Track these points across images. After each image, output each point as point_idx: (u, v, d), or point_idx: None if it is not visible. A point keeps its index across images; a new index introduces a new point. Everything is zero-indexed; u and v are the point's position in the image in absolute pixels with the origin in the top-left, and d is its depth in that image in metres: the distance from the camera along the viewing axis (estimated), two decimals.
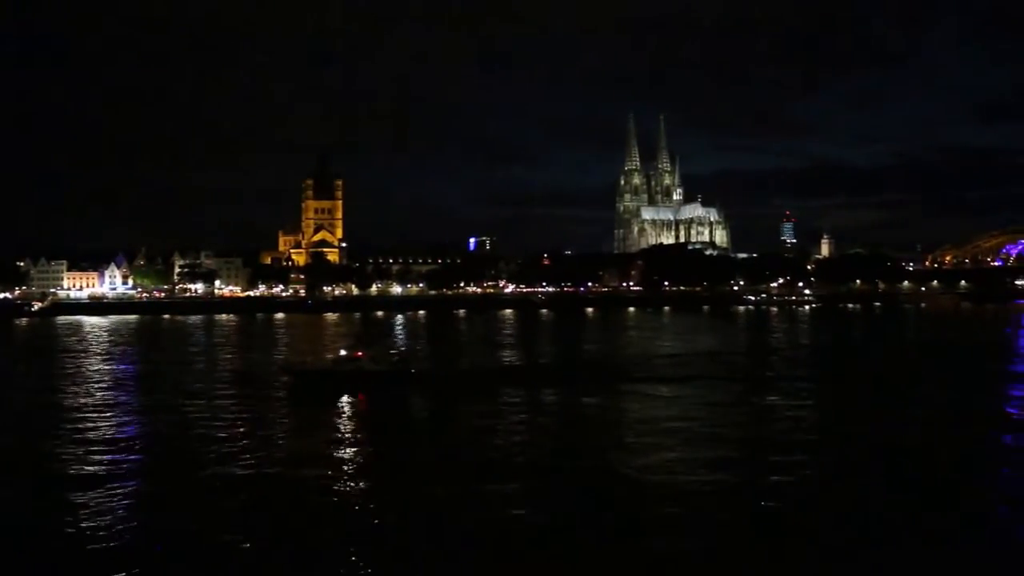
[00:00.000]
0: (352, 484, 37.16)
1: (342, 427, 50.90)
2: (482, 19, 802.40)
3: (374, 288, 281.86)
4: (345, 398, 59.73)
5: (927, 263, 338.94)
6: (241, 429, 48.43)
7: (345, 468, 39.97)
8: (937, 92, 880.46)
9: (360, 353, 68.13)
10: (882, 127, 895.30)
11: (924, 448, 41.86)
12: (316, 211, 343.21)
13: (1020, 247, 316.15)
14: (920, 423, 49.08)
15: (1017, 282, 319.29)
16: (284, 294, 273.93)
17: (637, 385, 64.39)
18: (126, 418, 53.16)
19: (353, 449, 44.91)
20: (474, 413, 55.16)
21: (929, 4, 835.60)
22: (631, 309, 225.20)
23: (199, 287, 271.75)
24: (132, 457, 42.03)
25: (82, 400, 61.26)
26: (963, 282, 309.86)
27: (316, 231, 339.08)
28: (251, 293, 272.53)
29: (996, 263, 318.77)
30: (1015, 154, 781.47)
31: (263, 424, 50.20)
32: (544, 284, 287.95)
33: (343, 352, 69.19)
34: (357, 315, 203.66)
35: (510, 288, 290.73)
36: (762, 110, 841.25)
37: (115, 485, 36.03)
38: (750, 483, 35.70)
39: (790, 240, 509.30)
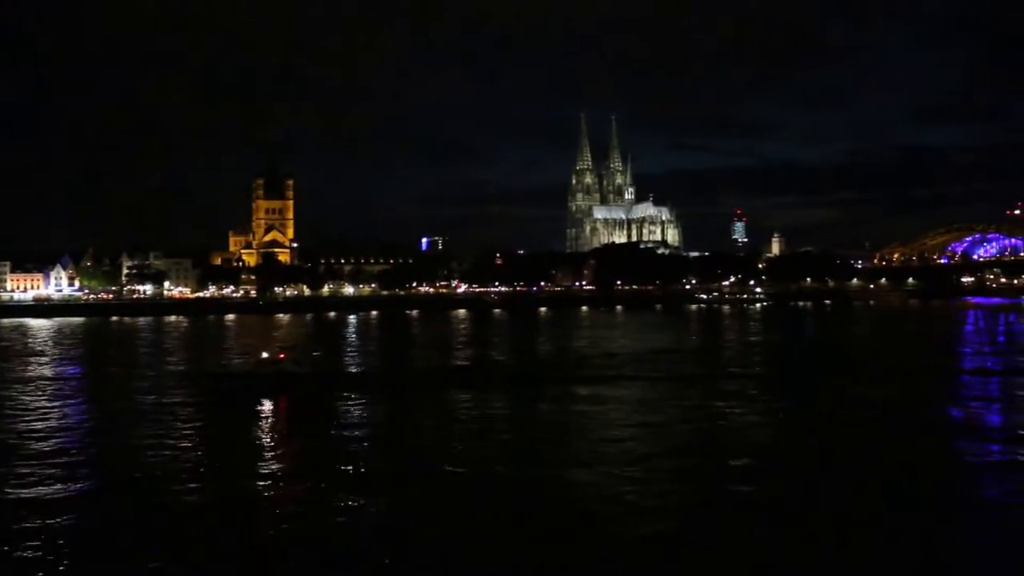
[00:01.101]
0: (274, 491, 36.01)
1: (259, 432, 49.30)
2: (437, 19, 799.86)
3: (326, 289, 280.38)
4: (266, 401, 57.87)
5: (876, 261, 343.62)
6: (156, 438, 46.45)
7: (261, 474, 38.54)
8: (886, 93, 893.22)
9: (282, 355, 66.43)
10: (832, 127, 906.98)
11: (874, 443, 42.27)
12: (267, 211, 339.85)
13: (965, 245, 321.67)
14: (868, 418, 49.61)
15: (963, 279, 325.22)
16: (235, 295, 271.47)
17: (588, 384, 63.95)
18: (59, 423, 51.92)
19: (271, 454, 43.37)
20: (405, 415, 54.70)
21: (879, 6, 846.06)
22: (584, 308, 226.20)
23: (148, 288, 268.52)
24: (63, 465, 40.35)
25: (19, 402, 59.90)
26: (911, 279, 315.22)
27: (267, 231, 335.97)
28: (201, 294, 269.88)
29: (942, 260, 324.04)
30: (961, 154, 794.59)
31: (177, 431, 48.35)
32: (497, 284, 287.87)
33: (264, 355, 67.35)
34: (309, 316, 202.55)
35: (463, 288, 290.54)
36: (714, 110, 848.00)
37: (46, 494, 34.54)
38: (706, 478, 35.97)
39: (741, 239, 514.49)
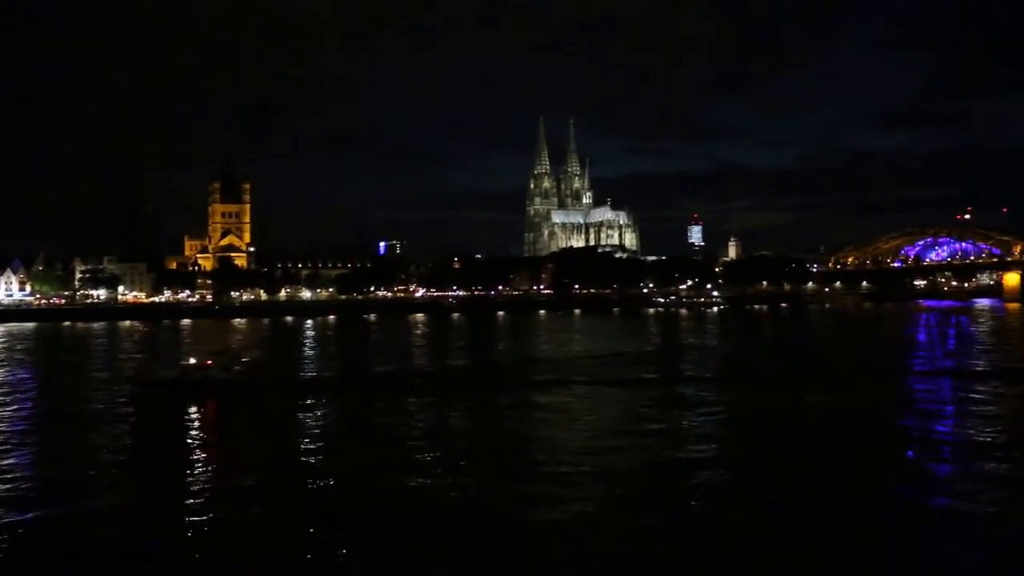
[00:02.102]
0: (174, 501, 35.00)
1: (172, 441, 47.63)
2: (390, 24, 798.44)
3: (283, 293, 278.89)
4: (188, 410, 56.33)
5: (831, 264, 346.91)
6: (65, 446, 45.63)
7: (184, 484, 37.60)
8: (843, 99, 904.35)
9: (209, 362, 65.47)
10: (789, 132, 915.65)
11: (831, 443, 42.84)
12: (223, 215, 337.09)
13: (918, 248, 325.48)
14: (825, 418, 50.28)
15: (915, 282, 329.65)
16: (191, 300, 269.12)
17: (544, 389, 64.00)
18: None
19: (179, 465, 41.55)
20: (333, 422, 53.74)
21: (838, 14, 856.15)
22: (542, 312, 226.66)
23: (102, 293, 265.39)
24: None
25: None
26: (865, 283, 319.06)
27: (223, 235, 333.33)
28: (156, 299, 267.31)
29: (895, 264, 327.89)
30: (913, 159, 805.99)
31: (86, 441, 46.90)
32: (455, 287, 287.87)
33: (192, 361, 66.40)
34: (266, 321, 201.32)
35: (421, 292, 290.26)
36: (673, 114, 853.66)
37: None
38: (664, 480, 36.28)
39: (698, 243, 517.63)
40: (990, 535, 28.77)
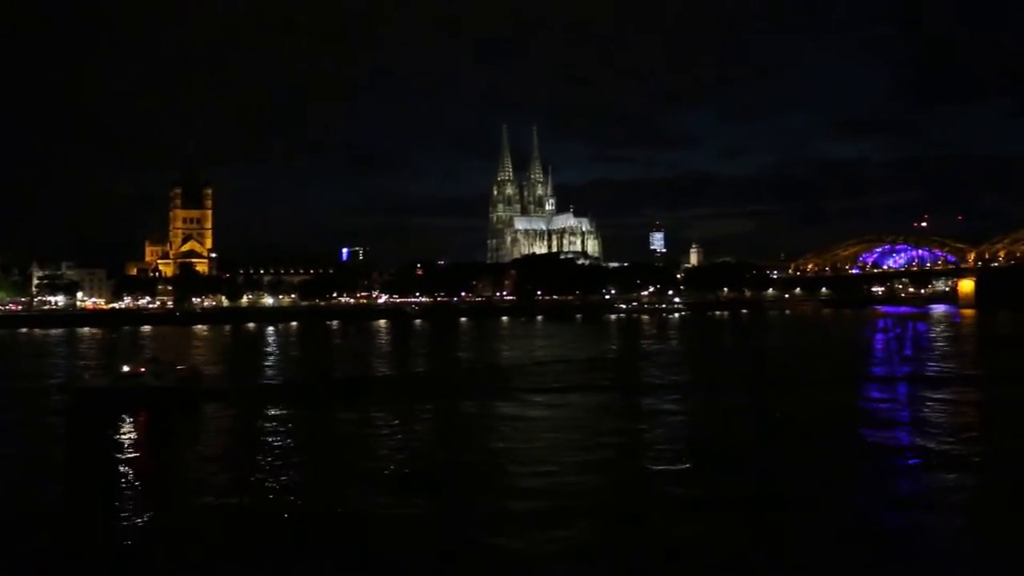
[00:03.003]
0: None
1: (95, 451, 46.62)
2: (359, 27, 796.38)
3: (245, 299, 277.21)
4: (117, 418, 54.59)
5: (790, 271, 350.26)
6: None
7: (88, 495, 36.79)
8: (802, 107, 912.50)
9: (143, 369, 63.80)
10: (752, 140, 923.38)
11: (785, 450, 43.36)
12: (184, 221, 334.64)
13: (875, 255, 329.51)
14: (784, 422, 50.91)
15: (873, 288, 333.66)
16: (151, 306, 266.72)
17: (506, 395, 64.10)
18: None
19: (119, 476, 40.45)
20: (272, 432, 51.95)
21: (801, 24, 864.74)
22: (504, 318, 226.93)
23: (60, 299, 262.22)
24: None
25: None
26: (824, 289, 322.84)
27: (184, 241, 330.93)
28: (116, 305, 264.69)
29: (853, 271, 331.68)
30: (871, 167, 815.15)
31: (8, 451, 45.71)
32: (417, 294, 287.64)
33: (125, 368, 64.48)
34: (227, 327, 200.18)
35: (384, 298, 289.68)
36: (636, 122, 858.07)
37: None
38: (628, 487, 36.60)
39: (660, 249, 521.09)
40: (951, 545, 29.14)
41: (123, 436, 51.00)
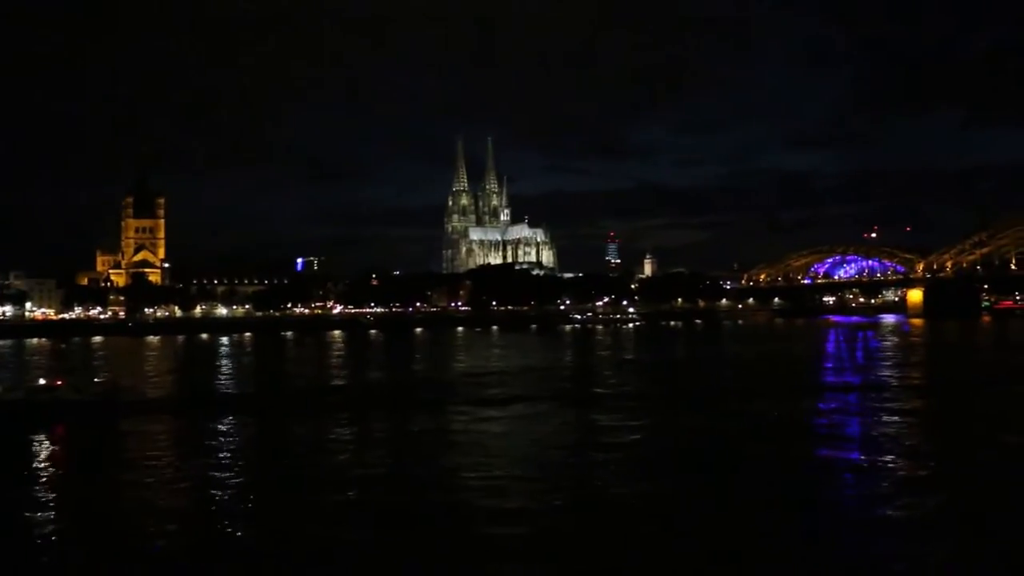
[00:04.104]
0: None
1: (31, 465, 44.29)
2: (316, 36, 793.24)
3: (198, 310, 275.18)
4: (29, 434, 51.87)
5: (744, 281, 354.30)
6: None
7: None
8: (756, 119, 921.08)
9: (60, 382, 61.72)
10: (707, 151, 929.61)
11: (746, 457, 43.73)
12: (136, 230, 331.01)
13: (827, 266, 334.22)
14: (738, 433, 51.30)
15: (825, 298, 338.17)
16: (102, 316, 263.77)
17: (462, 406, 63.48)
18: None
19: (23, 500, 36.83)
20: (194, 445, 49.26)
21: (758, 37, 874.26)
22: (460, 329, 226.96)
23: (8, 310, 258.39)
24: None
25: None
26: (776, 299, 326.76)
27: (137, 251, 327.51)
28: (66, 315, 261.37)
29: (805, 281, 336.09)
30: (823, 178, 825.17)
31: None
32: (373, 304, 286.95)
33: (41, 381, 62.27)
34: (181, 338, 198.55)
35: (338, 309, 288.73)
36: (592, 133, 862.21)
37: None
38: (578, 496, 36.13)
39: (614, 260, 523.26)
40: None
41: (25, 454, 47.35)
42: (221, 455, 45.68)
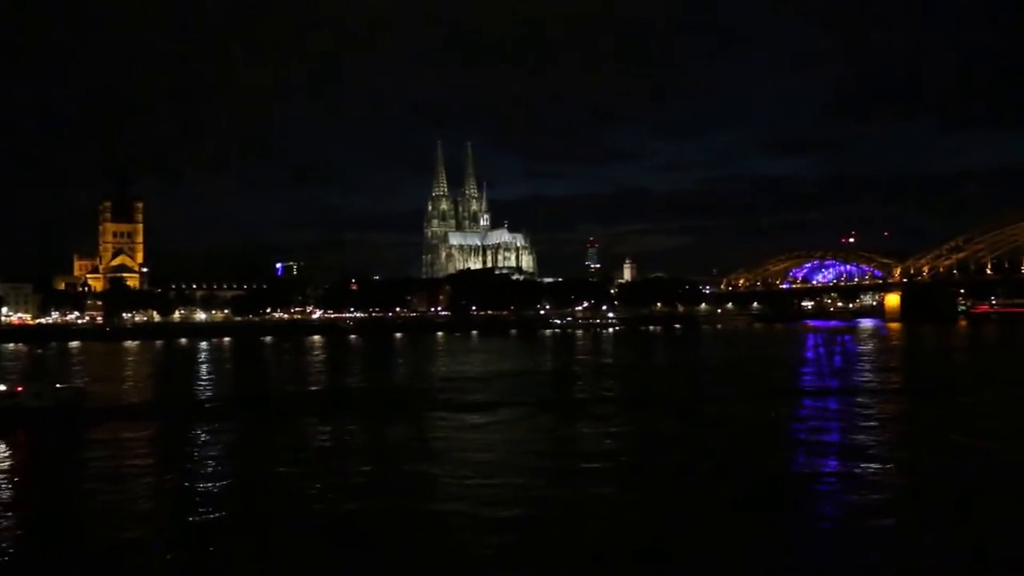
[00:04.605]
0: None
1: None
2: (294, 43, 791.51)
3: (177, 314, 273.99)
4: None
5: (723, 286, 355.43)
6: None
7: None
8: (736, 124, 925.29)
9: (20, 388, 60.65)
10: (687, 156, 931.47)
11: (719, 462, 43.79)
12: (115, 235, 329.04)
13: (805, 271, 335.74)
14: (714, 438, 51.45)
15: (803, 303, 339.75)
16: (80, 321, 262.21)
17: (440, 411, 63.52)
18: None
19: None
20: (171, 456, 47.59)
21: (736, 43, 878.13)
22: (439, 334, 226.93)
23: None
24: None
25: None
26: (756, 304, 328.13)
27: (115, 255, 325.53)
28: (43, 320, 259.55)
29: (784, 286, 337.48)
30: (801, 184, 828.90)
31: None
32: (352, 309, 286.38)
33: (2, 387, 60.58)
34: (159, 342, 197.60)
35: (318, 314, 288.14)
36: (572, 138, 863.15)
37: None
38: (555, 504, 35.93)
39: (594, 265, 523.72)
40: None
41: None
42: (188, 463, 44.96)
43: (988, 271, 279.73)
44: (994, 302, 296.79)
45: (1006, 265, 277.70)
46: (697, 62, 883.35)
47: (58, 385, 67.05)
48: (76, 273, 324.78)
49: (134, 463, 44.32)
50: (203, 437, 54.01)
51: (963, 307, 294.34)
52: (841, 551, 28.91)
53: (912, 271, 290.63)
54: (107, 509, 35.37)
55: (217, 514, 34.86)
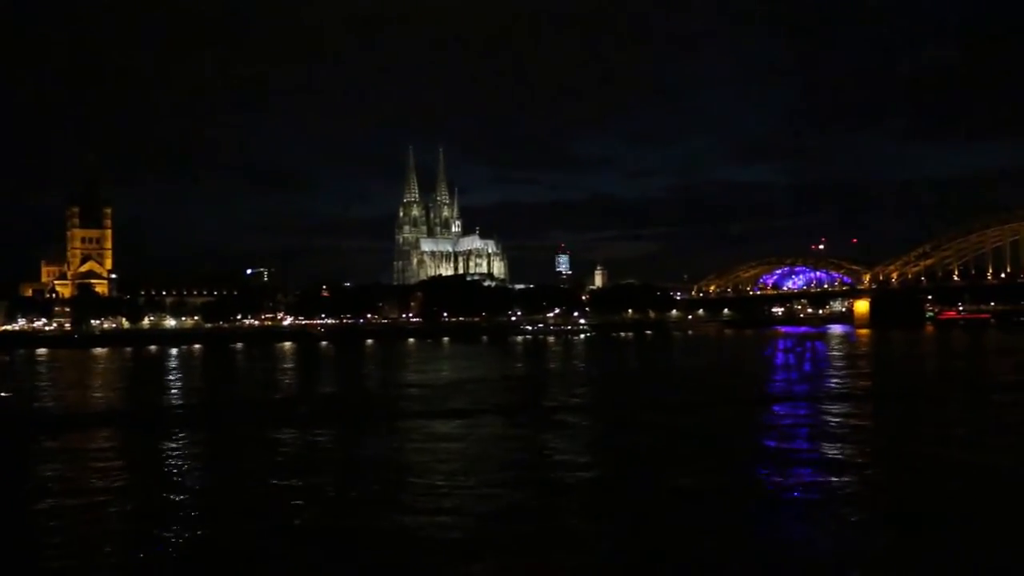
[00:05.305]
0: None
1: None
2: (264, 49, 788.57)
3: (146, 321, 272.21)
4: None
5: (694, 292, 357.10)
6: None
7: None
8: (706, 130, 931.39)
9: None
10: (657, 163, 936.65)
11: (687, 471, 43.72)
12: (83, 240, 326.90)
13: (776, 277, 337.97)
14: (684, 444, 51.45)
15: (774, 309, 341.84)
16: (48, 328, 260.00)
17: (410, 419, 62.73)
18: None
19: None
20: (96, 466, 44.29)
21: (705, 50, 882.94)
22: (411, 340, 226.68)
23: None
24: None
25: None
26: (726, 310, 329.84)
27: (83, 262, 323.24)
28: (9, 327, 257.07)
29: (755, 292, 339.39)
30: (772, 190, 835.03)
31: None
32: (323, 316, 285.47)
33: None
34: (128, 349, 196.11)
35: (289, 320, 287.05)
36: (543, 145, 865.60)
37: None
38: (531, 512, 35.99)
39: (566, 271, 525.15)
40: None
41: None
42: (137, 474, 42.56)
43: (955, 277, 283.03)
44: (961, 308, 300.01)
45: (972, 271, 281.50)
46: (666, 70, 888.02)
47: (2, 394, 65.35)
48: (43, 279, 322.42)
49: (82, 477, 41.28)
50: (164, 448, 50.98)
51: (931, 313, 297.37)
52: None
53: (881, 277, 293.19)
54: (45, 531, 31.71)
55: (175, 534, 32.22)
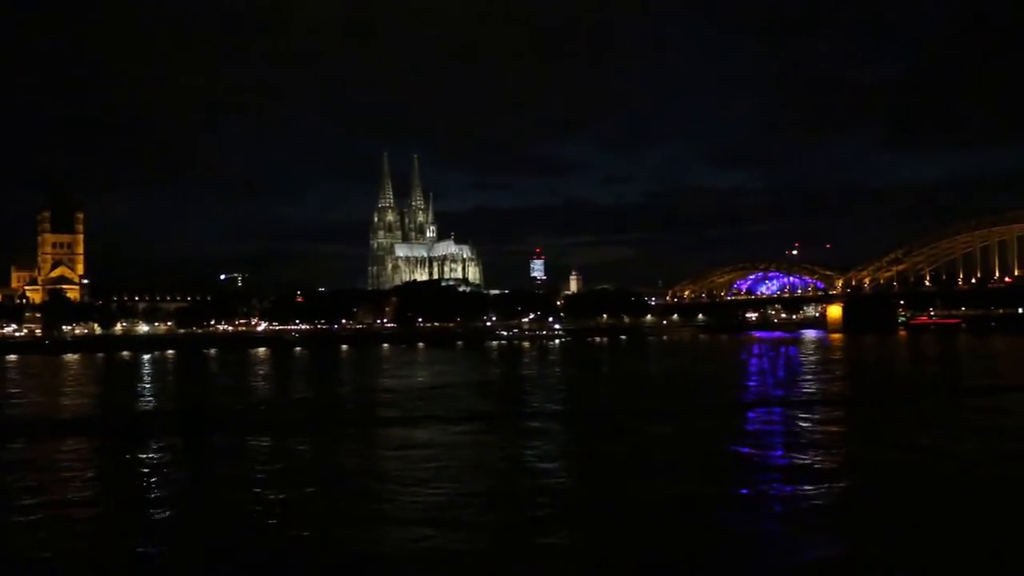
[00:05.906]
0: None
1: None
2: (240, 53, 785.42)
3: (119, 327, 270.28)
4: None
5: (668, 298, 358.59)
6: None
7: None
8: (680, 136, 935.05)
9: None
10: (632, 169, 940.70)
11: (662, 479, 43.72)
12: (54, 245, 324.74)
13: (750, 282, 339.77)
14: (660, 452, 51.45)
15: (748, 314, 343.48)
16: (18, 334, 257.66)
17: (386, 426, 62.86)
18: None
19: None
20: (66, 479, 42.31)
21: (681, 57, 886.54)
22: (386, 346, 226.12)
23: None
24: None
25: None
26: (701, 315, 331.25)
27: (54, 267, 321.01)
28: None
29: (729, 297, 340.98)
30: (746, 196, 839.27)
31: None
32: (298, 321, 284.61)
33: None
34: (100, 355, 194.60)
35: (263, 326, 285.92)
36: (519, 150, 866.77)
37: None
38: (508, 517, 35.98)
39: (540, 277, 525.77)
40: None
41: None
42: (105, 484, 41.76)
43: (927, 283, 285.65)
44: (932, 313, 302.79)
45: (943, 277, 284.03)
46: (642, 76, 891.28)
47: None
48: (14, 284, 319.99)
49: (50, 486, 39.82)
50: (136, 456, 50.19)
51: (903, 318, 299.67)
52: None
53: (854, 283, 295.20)
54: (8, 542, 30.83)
55: (143, 543, 31.57)
